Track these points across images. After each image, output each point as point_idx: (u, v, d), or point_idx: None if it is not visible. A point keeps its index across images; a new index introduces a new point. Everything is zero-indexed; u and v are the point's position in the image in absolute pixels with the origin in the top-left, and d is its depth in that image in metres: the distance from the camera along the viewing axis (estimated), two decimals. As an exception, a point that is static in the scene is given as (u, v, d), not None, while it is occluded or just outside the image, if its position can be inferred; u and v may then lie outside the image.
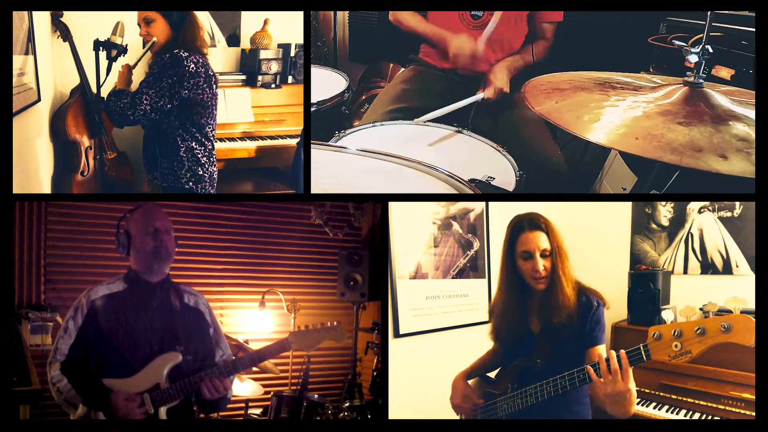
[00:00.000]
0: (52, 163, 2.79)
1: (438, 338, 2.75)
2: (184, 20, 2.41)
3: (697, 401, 2.46)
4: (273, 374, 2.87)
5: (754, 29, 2.22)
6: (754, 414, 1.84)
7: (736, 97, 1.78)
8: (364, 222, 3.34)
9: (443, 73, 2.83)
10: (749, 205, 2.76)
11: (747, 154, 1.50)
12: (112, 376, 1.75)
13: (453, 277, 2.85)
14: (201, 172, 2.51)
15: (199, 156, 2.49)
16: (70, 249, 2.80)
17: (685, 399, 2.49)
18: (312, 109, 2.83)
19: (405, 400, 2.52)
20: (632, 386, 1.50)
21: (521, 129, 2.61)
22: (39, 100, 2.59)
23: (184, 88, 2.37)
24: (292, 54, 3.45)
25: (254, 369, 2.36)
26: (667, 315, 2.70)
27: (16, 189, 2.25)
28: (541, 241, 1.70)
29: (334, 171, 2.06)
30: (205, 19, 3.27)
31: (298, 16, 3.19)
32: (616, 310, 2.86)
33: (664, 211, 3.08)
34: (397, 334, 2.59)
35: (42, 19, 2.68)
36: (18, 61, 2.32)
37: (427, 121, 2.51)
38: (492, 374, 1.95)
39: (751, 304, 2.50)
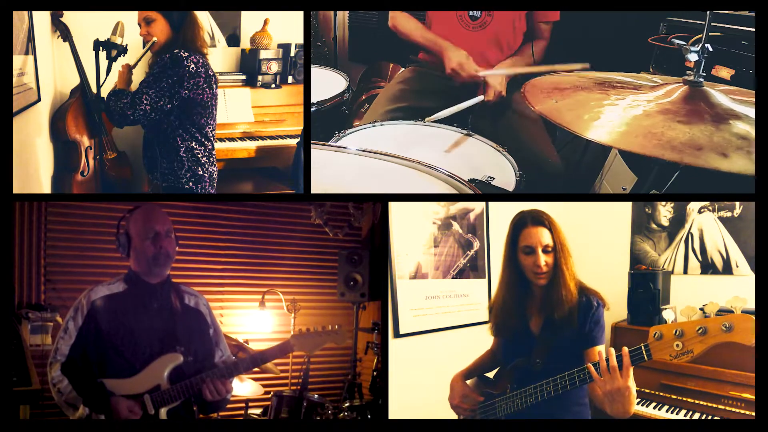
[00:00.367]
0: (52, 163, 2.78)
1: (438, 338, 2.75)
2: (184, 20, 2.41)
3: (697, 401, 2.46)
4: (273, 374, 2.87)
5: (754, 29, 2.22)
6: (754, 414, 1.84)
7: (736, 96, 1.78)
8: (364, 222, 3.34)
9: (442, 74, 2.83)
10: (749, 205, 2.76)
11: (747, 153, 1.50)
12: (113, 376, 1.75)
13: (453, 277, 2.85)
14: (201, 172, 2.51)
15: (199, 156, 2.49)
16: (70, 249, 2.79)
17: (685, 399, 2.49)
18: (312, 109, 2.83)
19: (405, 400, 2.52)
20: (632, 384, 1.49)
21: (520, 130, 2.61)
22: (39, 100, 2.58)
23: (184, 88, 2.37)
24: (292, 54, 3.45)
25: (254, 369, 2.36)
26: (668, 315, 2.70)
27: (16, 189, 2.25)
28: (544, 236, 1.70)
29: (334, 171, 2.06)
30: (205, 19, 3.27)
31: (298, 16, 3.19)
32: (616, 310, 2.86)
33: (664, 211, 3.08)
34: (397, 334, 2.59)
35: (42, 19, 2.67)
36: (18, 61, 2.31)
37: (433, 121, 2.51)
38: (490, 374, 1.96)
39: (751, 304, 2.50)
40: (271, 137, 3.35)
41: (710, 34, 1.76)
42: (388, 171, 2.06)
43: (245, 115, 3.35)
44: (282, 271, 3.30)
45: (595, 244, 3.14)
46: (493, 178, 2.11)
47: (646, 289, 2.77)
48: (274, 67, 3.40)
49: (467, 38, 2.71)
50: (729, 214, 2.86)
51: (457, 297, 2.86)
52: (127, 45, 2.57)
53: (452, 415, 1.95)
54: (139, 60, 2.52)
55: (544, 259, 1.70)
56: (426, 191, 2.00)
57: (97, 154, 2.86)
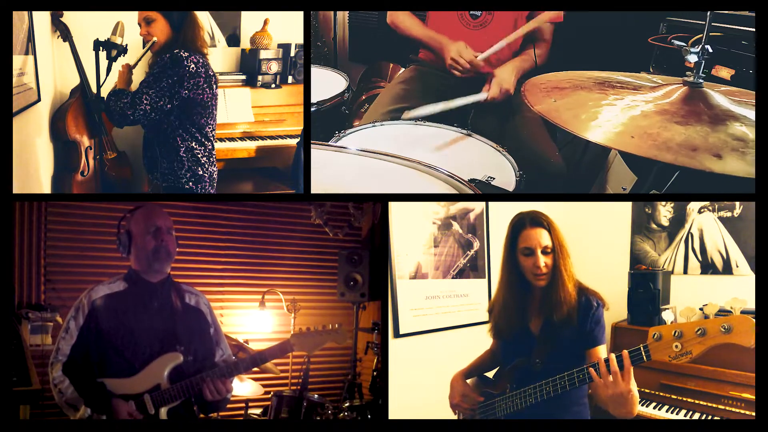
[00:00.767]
0: (52, 163, 2.79)
1: (438, 338, 2.75)
2: (184, 20, 2.41)
3: (697, 401, 2.46)
4: (273, 374, 2.87)
5: (754, 29, 2.22)
6: (754, 414, 1.84)
7: (735, 97, 1.78)
8: (364, 222, 3.34)
9: (443, 73, 2.83)
10: (749, 205, 2.76)
11: (742, 154, 1.50)
12: (113, 375, 1.76)
13: (453, 277, 2.85)
14: (201, 172, 2.51)
15: (199, 156, 2.49)
16: (70, 249, 2.79)
17: (685, 399, 2.49)
18: (312, 109, 2.83)
19: (405, 400, 2.52)
20: (633, 387, 1.50)
21: (521, 130, 2.60)
22: (39, 100, 2.58)
23: (184, 88, 2.37)
24: (292, 54, 3.45)
25: (254, 369, 2.36)
26: (667, 316, 2.70)
27: (16, 189, 2.25)
28: (543, 237, 1.71)
29: (334, 171, 2.06)
30: (205, 19, 3.27)
31: (298, 16, 3.19)
32: (616, 310, 2.86)
33: (664, 211, 3.08)
34: (397, 334, 2.59)
35: (42, 19, 2.67)
36: (18, 61, 2.31)
37: (417, 118, 2.50)
38: (490, 374, 1.96)
39: (751, 305, 2.50)
40: (271, 137, 3.35)
41: (710, 34, 1.76)
42: (388, 171, 2.07)
43: (245, 115, 3.35)
44: (282, 271, 3.30)
45: (595, 244, 3.14)
46: (493, 178, 2.11)
47: (646, 289, 2.77)
48: (274, 67, 3.40)
49: (468, 37, 2.70)
50: (729, 214, 2.86)
51: (457, 297, 2.86)
52: (127, 45, 2.57)
53: (452, 415, 1.95)
54: (139, 60, 2.52)
55: (543, 261, 1.70)
56: (426, 191, 2.00)
57: (97, 154, 2.86)
